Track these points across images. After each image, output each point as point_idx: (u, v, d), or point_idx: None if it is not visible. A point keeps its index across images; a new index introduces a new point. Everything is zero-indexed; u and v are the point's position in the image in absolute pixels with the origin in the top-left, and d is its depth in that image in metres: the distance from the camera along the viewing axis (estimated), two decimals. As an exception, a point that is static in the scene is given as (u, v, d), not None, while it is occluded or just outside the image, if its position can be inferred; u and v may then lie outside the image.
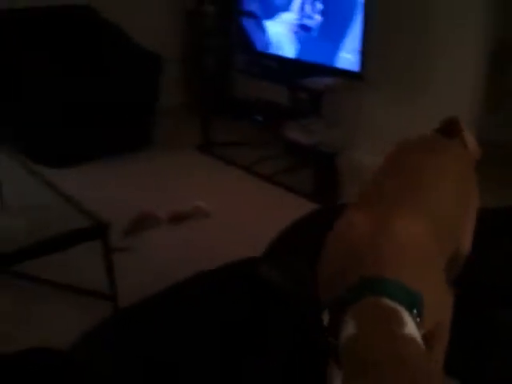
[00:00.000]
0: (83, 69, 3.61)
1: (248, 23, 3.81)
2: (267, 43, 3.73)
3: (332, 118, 3.47)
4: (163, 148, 3.93)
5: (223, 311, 1.37)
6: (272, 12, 3.64)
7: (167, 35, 4.50)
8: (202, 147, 3.96)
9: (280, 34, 3.61)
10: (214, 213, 3.07)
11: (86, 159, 3.57)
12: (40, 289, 2.41)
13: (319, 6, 3.35)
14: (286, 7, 3.55)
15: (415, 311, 0.70)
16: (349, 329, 0.69)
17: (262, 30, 3.72)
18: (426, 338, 0.70)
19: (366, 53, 3.17)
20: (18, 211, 2.64)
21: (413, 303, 0.70)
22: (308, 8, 3.40)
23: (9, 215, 2.69)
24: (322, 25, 3.38)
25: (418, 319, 0.70)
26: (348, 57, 3.27)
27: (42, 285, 2.42)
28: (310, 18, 3.41)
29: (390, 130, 3.68)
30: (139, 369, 1.19)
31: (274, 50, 3.71)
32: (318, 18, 3.37)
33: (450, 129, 1.03)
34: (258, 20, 3.72)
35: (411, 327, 0.67)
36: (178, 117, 4.47)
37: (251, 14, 3.72)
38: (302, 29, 3.48)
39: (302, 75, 3.46)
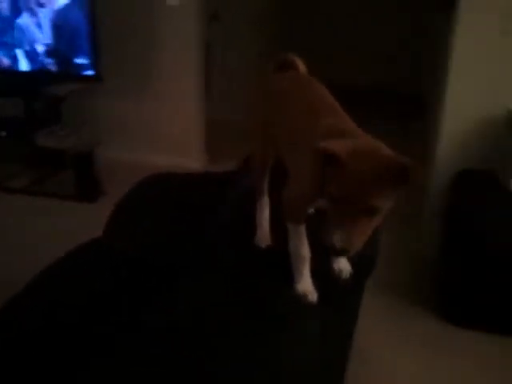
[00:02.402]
0: None
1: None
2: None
3: (77, 121, 3.64)
4: None
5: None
6: None
7: None
8: None
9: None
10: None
11: None
12: None
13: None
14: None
15: None
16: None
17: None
18: None
19: (98, 57, 3.43)
20: None
21: None
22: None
23: None
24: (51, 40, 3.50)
25: None
26: (82, 62, 3.47)
27: None
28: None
29: (132, 124, 4.01)
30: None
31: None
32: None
33: (286, 64, 1.37)
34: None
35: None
36: None
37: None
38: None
39: (39, 85, 3.52)
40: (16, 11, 3.47)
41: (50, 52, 3.50)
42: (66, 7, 3.41)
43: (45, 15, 3.45)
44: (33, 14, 3.46)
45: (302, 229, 1.15)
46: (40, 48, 3.52)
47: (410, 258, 2.88)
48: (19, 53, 3.55)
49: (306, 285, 1.14)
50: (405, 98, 5.40)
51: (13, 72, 3.61)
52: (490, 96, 2.59)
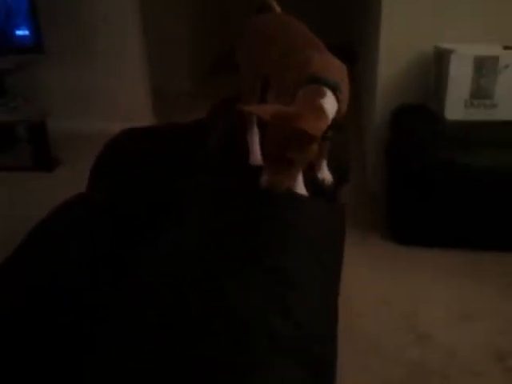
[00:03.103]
0: None
1: None
2: None
3: (25, 94, 3.65)
4: None
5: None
6: None
7: None
8: None
9: None
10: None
11: None
12: None
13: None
14: None
15: (339, 92, 1.23)
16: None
17: None
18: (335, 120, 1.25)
19: (38, 27, 3.45)
20: None
21: (336, 87, 1.23)
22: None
23: None
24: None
25: (339, 94, 1.23)
26: (23, 33, 3.47)
27: None
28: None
29: (80, 93, 4.05)
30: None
31: None
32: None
33: (264, 6, 1.55)
34: None
35: (328, 100, 1.20)
36: None
37: None
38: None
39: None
40: None
41: (-12, 25, 3.48)
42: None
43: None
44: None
45: None
46: (-22, 22, 3.49)
47: (362, 193, 3.16)
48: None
49: (301, 188, 1.35)
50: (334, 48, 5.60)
51: None
52: (419, 35, 2.85)
